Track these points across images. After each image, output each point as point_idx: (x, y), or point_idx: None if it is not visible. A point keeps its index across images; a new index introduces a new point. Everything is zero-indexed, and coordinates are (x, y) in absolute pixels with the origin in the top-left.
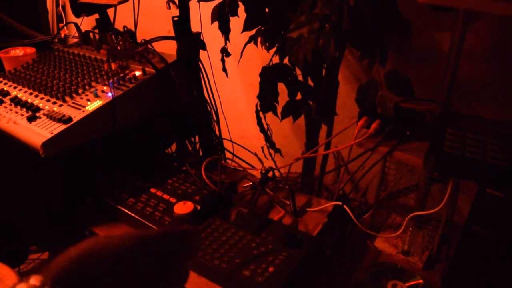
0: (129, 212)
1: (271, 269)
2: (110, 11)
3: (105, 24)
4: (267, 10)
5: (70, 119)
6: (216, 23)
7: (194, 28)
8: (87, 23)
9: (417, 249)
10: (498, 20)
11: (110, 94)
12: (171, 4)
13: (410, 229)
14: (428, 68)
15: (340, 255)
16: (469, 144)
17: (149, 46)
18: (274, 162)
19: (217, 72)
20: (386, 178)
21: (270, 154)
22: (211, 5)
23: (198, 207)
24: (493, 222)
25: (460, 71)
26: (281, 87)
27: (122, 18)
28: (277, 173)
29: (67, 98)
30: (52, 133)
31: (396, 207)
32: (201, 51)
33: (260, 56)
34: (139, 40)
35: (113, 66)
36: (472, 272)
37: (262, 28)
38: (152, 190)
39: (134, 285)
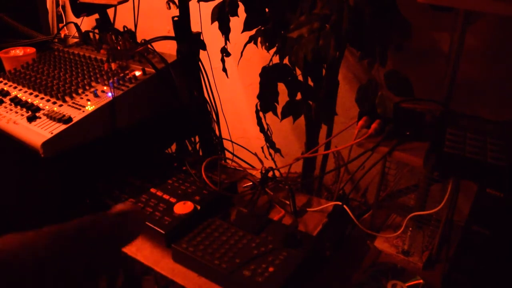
0: None
1: (271, 269)
2: (110, 11)
3: (105, 24)
4: (267, 10)
5: (70, 119)
6: (216, 23)
7: (194, 28)
8: (87, 23)
9: (417, 249)
10: (498, 20)
11: (110, 94)
12: (171, 4)
13: (410, 229)
14: (428, 68)
15: (340, 255)
16: (469, 144)
17: (149, 46)
18: (274, 162)
19: (217, 72)
20: (386, 178)
21: (270, 154)
22: (211, 5)
23: (198, 207)
24: (493, 222)
25: (460, 71)
26: (281, 87)
27: (122, 18)
28: (277, 173)
29: (67, 98)
30: (52, 133)
31: (396, 207)
32: (201, 51)
33: (260, 56)
34: (139, 40)
35: (113, 66)
36: (472, 272)
37: (262, 28)
38: (152, 190)
39: (62, 283)
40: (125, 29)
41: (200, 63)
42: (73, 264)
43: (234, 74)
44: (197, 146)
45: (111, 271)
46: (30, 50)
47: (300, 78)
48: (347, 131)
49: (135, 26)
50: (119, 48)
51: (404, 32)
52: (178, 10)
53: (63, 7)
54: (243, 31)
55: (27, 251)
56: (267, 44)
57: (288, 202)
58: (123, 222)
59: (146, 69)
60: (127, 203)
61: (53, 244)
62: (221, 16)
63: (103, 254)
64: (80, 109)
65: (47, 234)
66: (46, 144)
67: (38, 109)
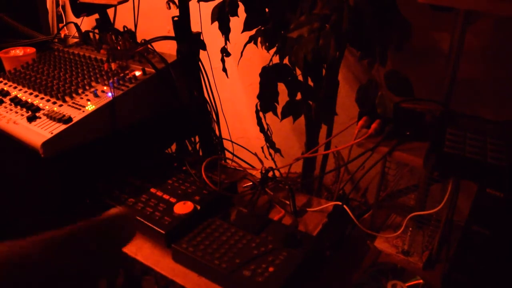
0: None
1: (271, 269)
2: (110, 11)
3: (105, 24)
4: (267, 10)
5: (70, 119)
6: (216, 23)
7: (194, 28)
8: (87, 23)
9: (417, 249)
10: (498, 20)
11: (110, 94)
12: (171, 4)
13: (410, 229)
14: (428, 68)
15: (340, 255)
16: (469, 144)
17: (149, 46)
18: (274, 162)
19: (217, 72)
20: (386, 178)
21: (270, 154)
22: (211, 5)
23: (198, 207)
24: (493, 222)
25: (460, 71)
26: (281, 87)
27: (122, 18)
28: (277, 173)
29: (67, 98)
30: (52, 133)
31: (396, 207)
32: (201, 51)
33: (260, 56)
34: (139, 40)
35: (113, 66)
36: (472, 272)
37: (262, 28)
38: (152, 190)
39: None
40: (125, 29)
41: (200, 63)
42: (66, 269)
43: (234, 74)
44: (197, 146)
45: (109, 273)
46: (30, 50)
47: (300, 78)
48: (347, 131)
49: (135, 26)
50: (119, 48)
51: (404, 32)
52: (178, 10)
53: (63, 7)
54: (243, 31)
55: (18, 259)
56: (267, 44)
57: (288, 202)
58: (115, 226)
59: (146, 69)
60: (120, 207)
61: (45, 250)
62: (221, 16)
63: (97, 257)
64: (80, 109)
65: (39, 241)
66: (46, 144)
67: (38, 109)
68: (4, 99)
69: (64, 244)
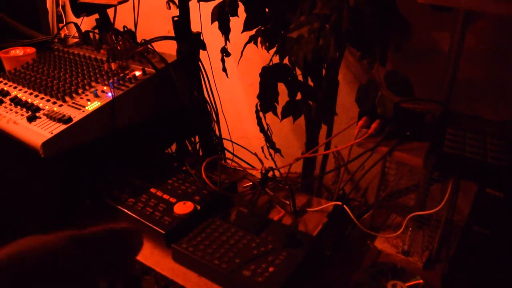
0: (129, 212)
1: (271, 269)
2: (110, 11)
3: (105, 24)
4: (267, 10)
5: (70, 119)
6: (216, 23)
7: (194, 28)
8: (87, 23)
9: (417, 249)
10: (498, 20)
11: (110, 94)
12: (171, 4)
13: (410, 229)
14: (428, 68)
15: (340, 255)
16: (469, 144)
17: (149, 46)
18: (274, 162)
19: (217, 72)
20: (386, 178)
21: (270, 154)
22: (211, 5)
23: (198, 207)
24: (493, 222)
25: (460, 71)
26: (281, 87)
27: (122, 18)
28: (277, 173)
29: (67, 98)
30: (52, 133)
31: (396, 207)
32: (201, 51)
33: (260, 56)
34: (139, 40)
35: (113, 66)
36: (472, 272)
37: (262, 28)
38: (152, 190)
39: (71, 285)
40: (125, 29)
41: (200, 63)
42: (87, 266)
43: (234, 74)
44: (197, 146)
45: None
46: (30, 50)
47: (300, 78)
48: (347, 131)
49: (135, 26)
50: (119, 48)
51: (404, 32)
52: (178, 10)
53: (63, 7)
54: (243, 31)
55: (46, 252)
56: (267, 44)
57: (288, 202)
58: (128, 237)
59: (146, 69)
60: (126, 224)
61: (70, 246)
62: (221, 16)
63: (111, 261)
64: (80, 109)
65: (65, 237)
66: (46, 144)
67: (38, 109)
68: (4, 99)
69: (86, 242)
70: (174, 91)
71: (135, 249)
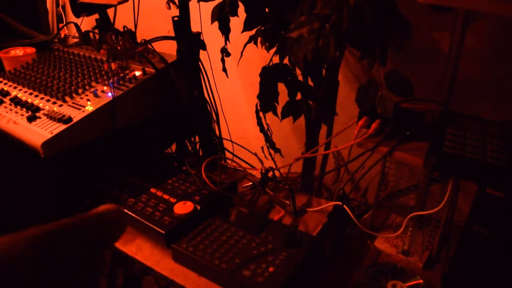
0: (129, 212)
1: (271, 269)
2: (110, 11)
3: (105, 24)
4: (267, 10)
5: (70, 119)
6: (216, 23)
7: (194, 28)
8: (87, 23)
9: (417, 249)
10: (498, 20)
11: (110, 94)
12: (171, 4)
13: (410, 229)
14: (428, 68)
15: (340, 255)
16: (469, 144)
17: (149, 46)
18: (274, 162)
19: (217, 72)
20: (386, 178)
21: (270, 154)
22: (211, 5)
23: (198, 207)
24: (493, 222)
25: (460, 71)
26: (281, 87)
27: (122, 18)
28: (277, 173)
29: (67, 98)
30: (52, 133)
31: (396, 207)
32: (201, 51)
33: (260, 56)
34: (139, 40)
35: (113, 66)
36: (472, 272)
37: (262, 28)
38: (152, 190)
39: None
40: (125, 29)
41: (200, 63)
42: (52, 267)
43: (234, 74)
44: (197, 146)
45: (93, 272)
46: (30, 50)
47: (300, 78)
48: (347, 131)
49: (135, 26)
50: (119, 48)
51: (404, 32)
52: (178, 10)
53: (63, 7)
54: (243, 31)
55: (3, 254)
56: (267, 44)
57: (288, 202)
58: (101, 222)
59: (146, 69)
60: (109, 204)
61: (28, 247)
62: (221, 16)
63: (85, 255)
64: (80, 109)
65: (23, 237)
66: (46, 144)
67: (38, 109)
68: (4, 99)
69: (49, 241)
70: (174, 91)
71: (110, 237)
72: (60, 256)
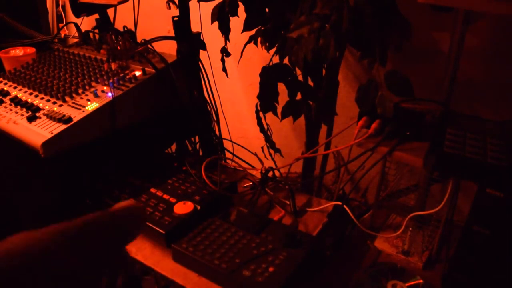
0: None
1: (271, 269)
2: (110, 11)
3: (105, 24)
4: (267, 10)
5: (70, 119)
6: (216, 23)
7: (194, 28)
8: (87, 23)
9: (417, 249)
10: (498, 20)
11: (110, 94)
12: (171, 4)
13: (410, 229)
14: (428, 68)
15: (340, 255)
16: (469, 144)
17: (149, 46)
18: (274, 162)
19: (217, 72)
20: (386, 178)
21: (270, 154)
22: (211, 5)
23: (198, 207)
24: (493, 222)
25: (460, 71)
26: (281, 87)
27: (122, 18)
28: (277, 173)
29: (67, 98)
30: (52, 133)
31: (396, 207)
32: (201, 51)
33: (260, 56)
34: (139, 40)
35: (113, 66)
36: (472, 272)
37: (262, 28)
38: (152, 190)
39: (70, 281)
40: (125, 29)
41: (200, 63)
42: (76, 261)
43: (234, 74)
44: (197, 146)
45: (113, 270)
46: (30, 50)
47: (300, 78)
48: (347, 131)
49: (135, 26)
50: (119, 48)
51: (404, 32)
52: (178, 10)
53: (63, 7)
54: (243, 31)
55: (33, 249)
56: (267, 44)
57: (288, 202)
58: (124, 219)
59: (146, 69)
60: (130, 200)
61: (57, 241)
62: (221, 16)
63: (105, 251)
64: (80, 109)
65: (52, 232)
66: (46, 144)
67: (38, 109)
68: (4, 99)
69: (74, 236)
70: (174, 91)
71: (130, 234)
72: (84, 251)
